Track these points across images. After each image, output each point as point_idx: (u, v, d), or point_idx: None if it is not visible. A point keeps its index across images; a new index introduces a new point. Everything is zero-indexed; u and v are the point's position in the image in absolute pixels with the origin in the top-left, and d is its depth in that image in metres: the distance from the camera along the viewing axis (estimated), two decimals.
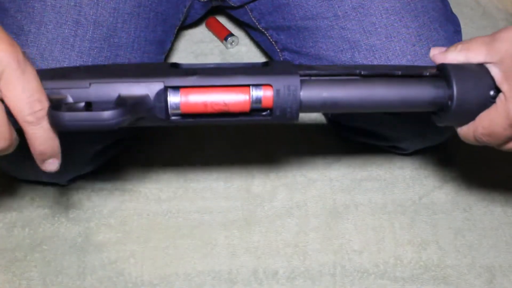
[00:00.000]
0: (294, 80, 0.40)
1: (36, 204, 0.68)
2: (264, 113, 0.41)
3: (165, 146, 0.73)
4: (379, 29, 0.56)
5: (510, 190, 0.73)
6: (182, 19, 0.67)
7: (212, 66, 0.42)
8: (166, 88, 0.39)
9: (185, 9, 0.67)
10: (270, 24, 0.65)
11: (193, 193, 0.70)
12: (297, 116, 0.41)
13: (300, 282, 0.64)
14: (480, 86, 0.41)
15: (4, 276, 0.63)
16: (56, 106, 0.37)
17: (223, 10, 0.79)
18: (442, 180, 0.73)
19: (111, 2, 0.55)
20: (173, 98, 0.40)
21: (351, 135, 0.73)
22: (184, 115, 0.41)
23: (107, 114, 0.36)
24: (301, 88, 0.40)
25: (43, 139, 0.38)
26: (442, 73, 0.42)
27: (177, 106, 0.40)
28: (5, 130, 0.37)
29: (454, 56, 0.42)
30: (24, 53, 0.37)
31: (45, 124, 0.37)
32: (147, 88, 0.39)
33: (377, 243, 0.67)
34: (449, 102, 0.41)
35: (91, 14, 0.54)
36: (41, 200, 0.68)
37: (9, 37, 0.36)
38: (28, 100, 0.36)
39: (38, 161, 0.40)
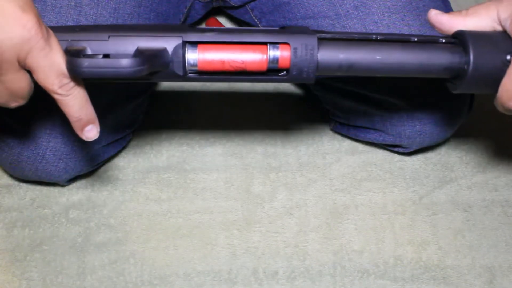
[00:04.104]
0: (312, 40, 0.40)
1: (36, 204, 0.68)
2: (280, 74, 0.41)
3: (165, 145, 0.73)
4: (381, 27, 0.56)
5: (510, 190, 0.73)
6: (182, 19, 0.67)
7: (229, 27, 0.43)
8: (184, 43, 0.39)
9: (186, 10, 0.67)
10: (271, 23, 0.65)
11: (193, 193, 0.70)
12: (314, 76, 0.41)
13: (300, 282, 0.64)
14: (496, 51, 0.41)
15: (4, 277, 0.63)
16: (74, 56, 0.37)
17: (224, 11, 0.79)
18: (442, 180, 0.73)
19: (112, 3, 0.55)
20: (191, 55, 0.40)
21: (352, 134, 0.73)
22: (201, 72, 0.41)
23: (125, 61, 0.37)
24: (318, 48, 0.40)
25: (77, 107, 0.39)
26: (459, 39, 0.42)
27: (194, 63, 0.40)
28: (30, 92, 0.39)
29: (461, 21, 0.42)
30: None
31: (76, 93, 0.39)
32: (165, 42, 0.39)
33: (377, 243, 0.67)
34: (465, 67, 0.41)
35: (91, 14, 0.54)
36: (41, 200, 0.68)
37: (35, 11, 0.37)
38: (56, 75, 0.37)
39: (77, 130, 0.41)
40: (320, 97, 0.72)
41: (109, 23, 0.55)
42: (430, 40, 0.42)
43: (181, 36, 0.39)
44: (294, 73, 0.40)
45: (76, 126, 0.41)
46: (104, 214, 0.67)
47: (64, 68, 0.37)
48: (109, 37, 0.39)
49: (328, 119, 0.75)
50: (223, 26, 0.84)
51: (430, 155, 0.74)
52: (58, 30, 0.39)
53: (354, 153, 0.74)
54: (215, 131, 0.75)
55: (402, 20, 0.56)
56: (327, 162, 0.73)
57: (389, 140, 0.68)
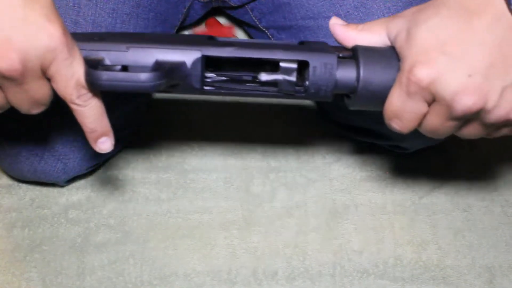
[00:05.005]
0: (331, 59, 0.40)
1: (35, 204, 0.67)
2: (298, 91, 0.41)
3: (164, 146, 0.73)
4: None
5: (510, 190, 0.72)
6: (181, 19, 0.67)
7: (247, 40, 0.42)
8: (203, 57, 0.39)
9: (185, 10, 0.66)
10: (271, 23, 0.65)
11: (193, 193, 0.70)
12: (331, 95, 0.41)
13: (299, 283, 0.64)
14: (388, 68, 0.40)
15: (4, 277, 0.63)
16: (93, 66, 0.37)
17: (223, 11, 0.79)
18: (442, 180, 0.72)
19: (110, 3, 0.55)
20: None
21: (352, 134, 0.73)
22: (218, 86, 0.41)
23: (144, 76, 0.37)
24: (337, 68, 0.40)
25: (92, 118, 0.39)
26: (354, 55, 0.42)
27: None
28: (51, 99, 0.39)
29: (354, 35, 0.42)
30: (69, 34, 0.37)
31: (93, 104, 0.39)
32: (184, 56, 0.39)
33: (377, 243, 0.67)
34: (356, 84, 0.41)
35: (89, 14, 0.54)
36: (40, 200, 0.68)
37: (61, 20, 0.36)
38: (75, 86, 0.37)
39: (91, 142, 0.41)
40: None
41: (107, 23, 0.54)
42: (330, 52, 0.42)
43: (200, 50, 0.39)
44: (312, 91, 0.40)
45: (90, 137, 0.41)
46: (104, 214, 0.67)
47: (83, 79, 0.37)
48: (128, 48, 0.39)
49: (328, 119, 0.74)
50: (222, 26, 0.84)
51: (430, 154, 0.74)
52: (77, 38, 0.39)
53: (354, 153, 0.74)
54: (215, 131, 0.75)
55: None
56: (327, 162, 0.73)
57: (389, 141, 0.68)
